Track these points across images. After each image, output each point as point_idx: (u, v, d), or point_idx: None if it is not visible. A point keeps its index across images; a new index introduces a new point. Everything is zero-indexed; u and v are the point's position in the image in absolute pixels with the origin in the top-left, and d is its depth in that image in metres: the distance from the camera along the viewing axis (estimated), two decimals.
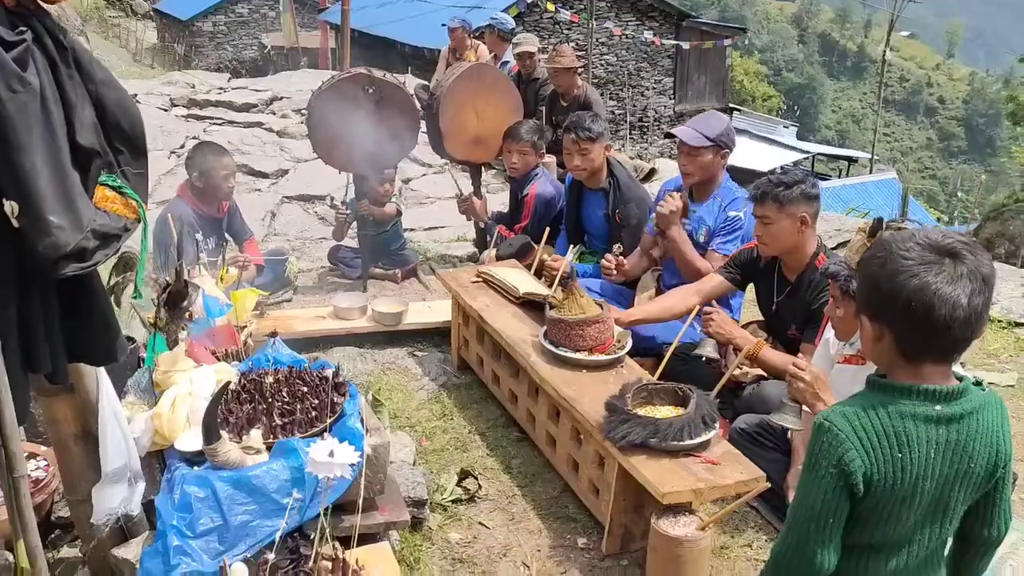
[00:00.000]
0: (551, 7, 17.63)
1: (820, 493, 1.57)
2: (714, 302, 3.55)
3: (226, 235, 4.83)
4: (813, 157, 25.17)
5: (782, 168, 3.98)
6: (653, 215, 4.13)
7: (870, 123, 59.75)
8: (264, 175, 8.00)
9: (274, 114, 10.39)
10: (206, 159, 4.52)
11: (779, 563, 1.66)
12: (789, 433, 3.12)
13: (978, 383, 1.61)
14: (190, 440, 2.63)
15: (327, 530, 2.42)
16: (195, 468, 2.57)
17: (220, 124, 9.73)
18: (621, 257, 4.02)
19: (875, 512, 1.57)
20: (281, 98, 10.88)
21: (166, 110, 10.46)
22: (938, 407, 1.54)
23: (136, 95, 10.85)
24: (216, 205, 4.68)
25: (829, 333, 3.03)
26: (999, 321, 5.02)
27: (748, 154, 19.43)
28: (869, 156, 25.37)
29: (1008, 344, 4.83)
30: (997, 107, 53.34)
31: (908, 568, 1.64)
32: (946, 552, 1.73)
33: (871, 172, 23.34)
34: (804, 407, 2.62)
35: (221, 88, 11.80)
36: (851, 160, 27.39)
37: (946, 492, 1.59)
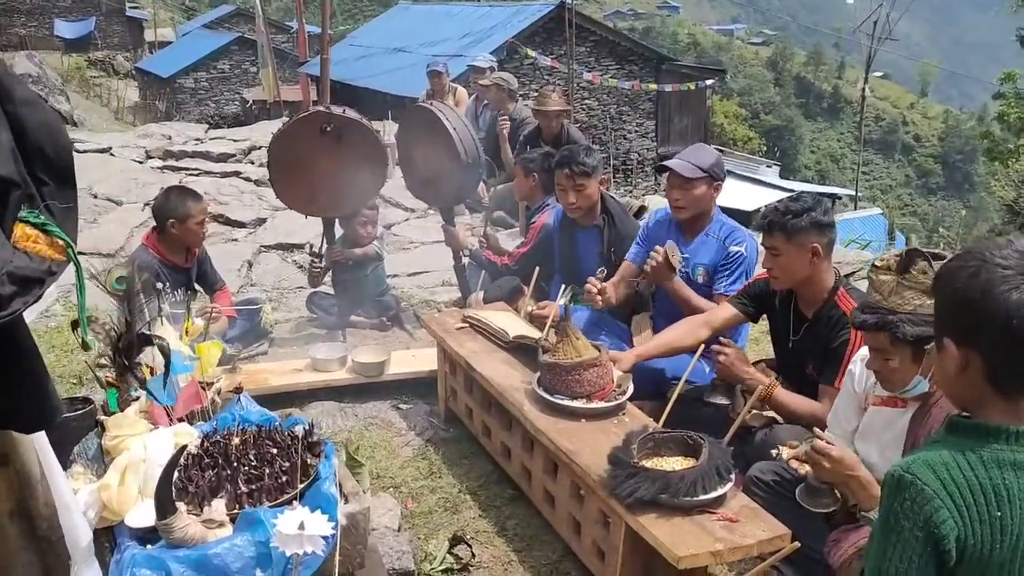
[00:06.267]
0: (531, 54, 17.71)
1: (902, 561, 1.31)
2: (723, 338, 3.29)
3: (196, 285, 4.55)
4: None
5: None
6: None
7: (848, 162, 60.47)
8: (241, 224, 7.77)
9: (252, 163, 10.18)
10: (185, 204, 4.26)
11: None
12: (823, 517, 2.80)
13: None
14: (143, 514, 2.33)
15: None
16: (148, 547, 2.26)
17: (196, 175, 9.52)
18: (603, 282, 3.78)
19: None
20: (260, 147, 10.67)
21: (141, 162, 10.24)
22: None
23: (111, 148, 10.63)
24: (184, 254, 4.41)
25: (853, 365, 2.76)
26: None
27: (733, 194, 19.37)
28: (852, 193, 25.44)
29: None
30: (973, 144, 54.02)
31: None
32: None
33: (855, 209, 23.38)
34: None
35: (198, 139, 11.60)
36: (836, 198, 27.48)
37: None
